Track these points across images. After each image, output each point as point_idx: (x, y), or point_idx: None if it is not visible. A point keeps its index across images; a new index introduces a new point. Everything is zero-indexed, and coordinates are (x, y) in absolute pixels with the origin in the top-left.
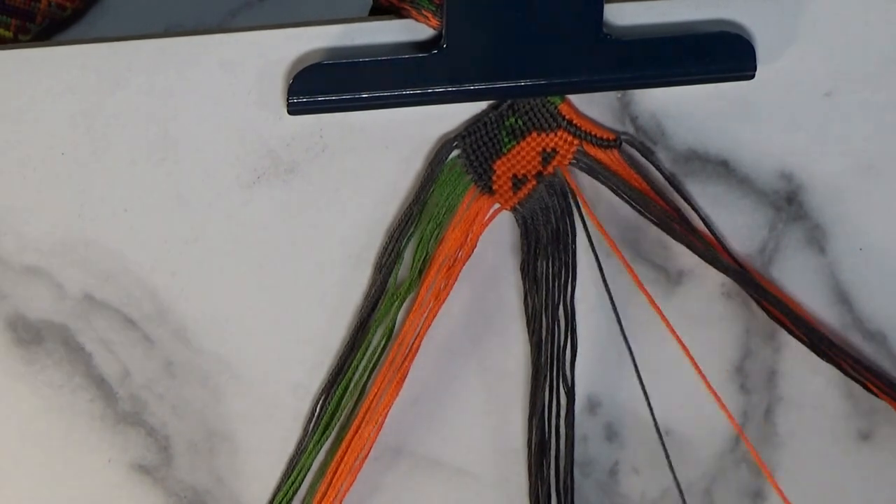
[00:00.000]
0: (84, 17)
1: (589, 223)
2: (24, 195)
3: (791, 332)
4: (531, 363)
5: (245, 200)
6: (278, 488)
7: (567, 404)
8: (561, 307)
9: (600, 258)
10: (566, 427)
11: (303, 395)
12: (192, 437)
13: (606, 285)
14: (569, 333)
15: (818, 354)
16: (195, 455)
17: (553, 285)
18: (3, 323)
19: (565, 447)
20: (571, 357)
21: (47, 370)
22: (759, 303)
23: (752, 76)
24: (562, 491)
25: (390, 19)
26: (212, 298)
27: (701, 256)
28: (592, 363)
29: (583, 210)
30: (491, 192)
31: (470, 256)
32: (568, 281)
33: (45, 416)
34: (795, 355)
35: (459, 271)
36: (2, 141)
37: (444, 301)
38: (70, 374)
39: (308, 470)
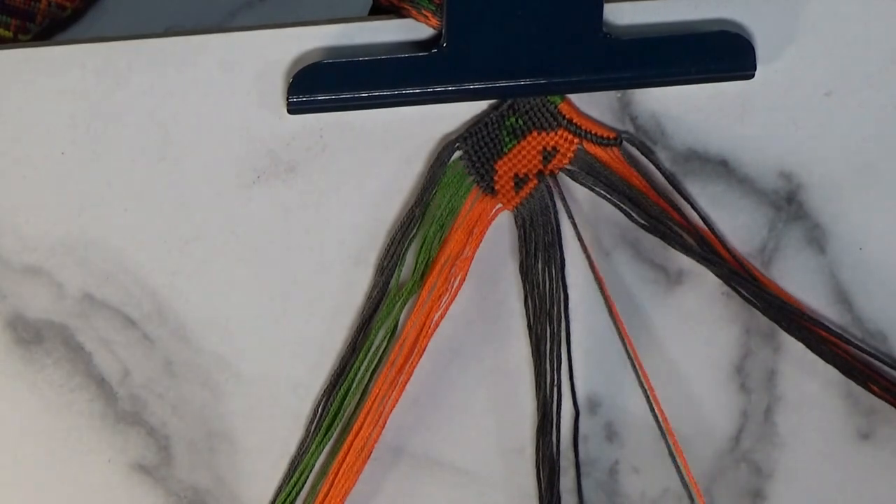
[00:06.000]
0: (84, 17)
1: (581, 225)
2: (24, 195)
3: (792, 334)
4: (532, 364)
5: (245, 200)
6: (280, 489)
7: (574, 409)
8: (557, 308)
9: (599, 258)
10: (574, 431)
11: (303, 395)
12: (192, 437)
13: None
14: (566, 333)
15: (819, 354)
16: (195, 455)
17: (552, 286)
18: (3, 323)
19: (571, 450)
20: (568, 359)
21: (47, 370)
22: (757, 307)
23: (752, 76)
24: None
25: (390, 19)
26: (212, 298)
27: (695, 259)
28: (592, 363)
29: (559, 218)
30: (493, 192)
31: (473, 257)
32: (566, 281)
33: (45, 415)
34: (795, 355)
35: (466, 272)
36: (2, 141)
37: (450, 303)
38: (70, 374)
39: (310, 471)
